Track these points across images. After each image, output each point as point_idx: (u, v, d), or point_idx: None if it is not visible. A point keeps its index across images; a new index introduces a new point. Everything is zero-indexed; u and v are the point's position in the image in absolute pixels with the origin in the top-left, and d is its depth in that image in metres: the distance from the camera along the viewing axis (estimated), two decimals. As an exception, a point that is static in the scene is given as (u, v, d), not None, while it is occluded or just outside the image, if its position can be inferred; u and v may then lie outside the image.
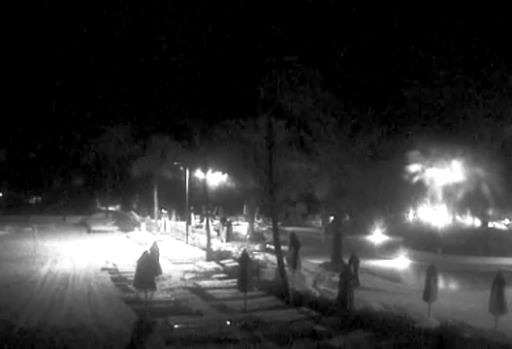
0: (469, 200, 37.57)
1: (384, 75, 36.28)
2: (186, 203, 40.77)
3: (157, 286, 18.32)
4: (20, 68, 51.59)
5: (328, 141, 31.80)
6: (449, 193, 37.17)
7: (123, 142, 54.01)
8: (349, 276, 17.74)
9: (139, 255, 17.31)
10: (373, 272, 29.43)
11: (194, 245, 35.31)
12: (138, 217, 54.85)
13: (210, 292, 20.57)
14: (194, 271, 25.07)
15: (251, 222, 44.73)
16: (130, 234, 42.51)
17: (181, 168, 41.71)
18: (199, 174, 41.92)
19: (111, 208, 62.46)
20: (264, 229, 47.60)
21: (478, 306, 19.07)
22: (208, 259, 28.68)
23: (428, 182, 37.58)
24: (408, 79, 35.32)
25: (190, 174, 41.78)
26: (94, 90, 54.99)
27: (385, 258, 35.93)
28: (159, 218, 49.01)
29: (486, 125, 34.64)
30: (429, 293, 18.10)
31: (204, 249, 31.84)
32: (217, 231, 41.36)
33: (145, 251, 17.55)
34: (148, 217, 54.21)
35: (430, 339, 13.39)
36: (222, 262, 27.31)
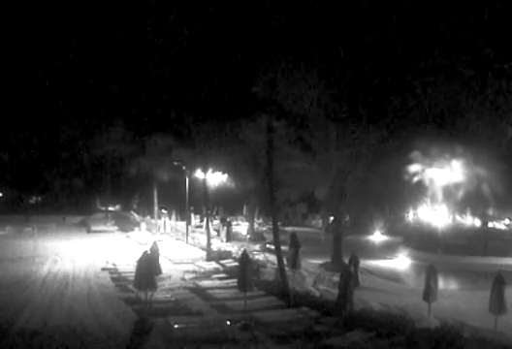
0: (469, 200, 37.53)
1: (384, 75, 36.28)
2: (186, 203, 40.78)
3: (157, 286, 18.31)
4: (20, 69, 51.64)
5: (328, 141, 31.80)
6: (449, 193, 37.14)
7: (123, 142, 54.01)
8: (349, 276, 17.73)
9: (139, 255, 17.33)
10: (373, 272, 29.39)
11: (194, 245, 35.31)
12: (138, 217, 54.87)
13: (210, 292, 20.58)
14: (194, 271, 25.09)
15: (251, 222, 44.73)
16: (130, 234, 42.53)
17: (183, 167, 41.68)
18: (199, 174, 41.91)
19: (111, 208, 62.40)
20: (264, 229, 47.60)
21: (478, 306, 19.06)
22: (208, 259, 28.69)
23: (428, 182, 37.55)
24: (409, 80, 35.32)
25: (190, 174, 41.79)
26: (94, 90, 55.04)
27: (385, 258, 35.90)
28: (159, 218, 49.03)
29: (486, 125, 34.62)
30: (429, 293, 18.11)
31: (204, 249, 31.85)
32: (217, 231, 41.37)
33: (145, 251, 17.57)
34: (148, 217, 54.23)
35: (430, 339, 13.39)
36: (222, 262, 27.32)
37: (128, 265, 24.83)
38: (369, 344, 13.40)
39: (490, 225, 43.41)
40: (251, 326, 14.87)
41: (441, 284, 21.39)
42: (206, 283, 22.53)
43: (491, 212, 41.86)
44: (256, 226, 47.57)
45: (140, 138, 51.71)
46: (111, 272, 24.67)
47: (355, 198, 31.38)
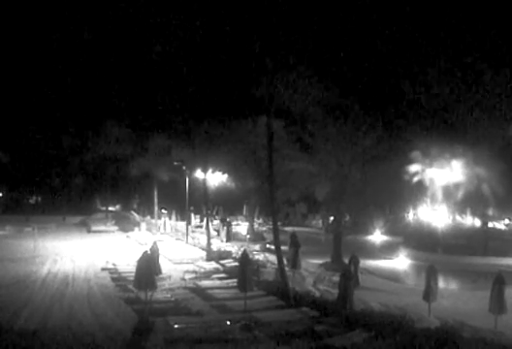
0: (469, 200, 37.57)
1: (384, 75, 36.30)
2: (186, 203, 40.78)
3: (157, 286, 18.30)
4: (21, 69, 51.65)
5: (328, 141, 31.81)
6: (449, 193, 37.15)
7: (123, 142, 53.97)
8: (349, 276, 17.74)
9: (139, 255, 17.32)
10: (373, 272, 29.41)
11: (194, 245, 35.31)
12: (138, 217, 54.89)
13: (210, 292, 20.56)
14: (194, 271, 25.07)
15: (251, 222, 44.75)
16: (130, 234, 42.53)
17: (183, 167, 41.70)
18: (199, 174, 41.93)
19: (111, 208, 62.46)
20: (264, 229, 47.63)
21: (478, 306, 19.09)
22: (208, 259, 28.68)
23: (428, 182, 37.57)
24: (409, 80, 35.34)
25: (190, 174, 41.80)
26: (94, 90, 55.00)
27: (385, 258, 35.91)
28: (159, 218, 49.05)
29: (486, 125, 34.63)
30: (429, 293, 18.13)
31: (204, 249, 31.85)
32: (217, 231, 41.39)
33: (145, 251, 17.57)
34: (148, 217, 54.26)
35: (430, 339, 13.39)
36: (222, 262, 27.30)
37: (128, 265, 24.81)
38: (369, 344, 13.39)
39: (490, 225, 43.44)
40: (251, 326, 14.87)
41: (441, 284, 21.43)
42: (206, 283, 22.52)
43: (491, 212, 41.90)
44: (256, 226, 47.61)
45: (140, 138, 51.68)
46: (111, 272, 24.65)
47: (355, 198, 31.39)
